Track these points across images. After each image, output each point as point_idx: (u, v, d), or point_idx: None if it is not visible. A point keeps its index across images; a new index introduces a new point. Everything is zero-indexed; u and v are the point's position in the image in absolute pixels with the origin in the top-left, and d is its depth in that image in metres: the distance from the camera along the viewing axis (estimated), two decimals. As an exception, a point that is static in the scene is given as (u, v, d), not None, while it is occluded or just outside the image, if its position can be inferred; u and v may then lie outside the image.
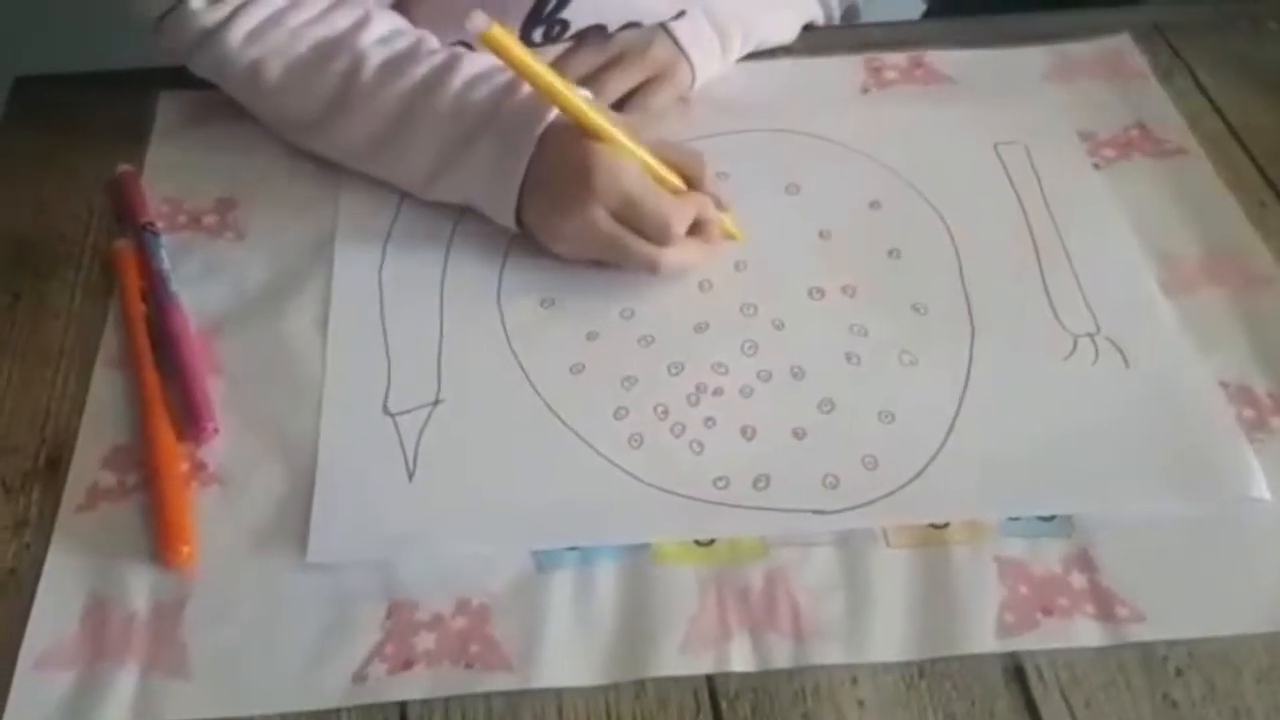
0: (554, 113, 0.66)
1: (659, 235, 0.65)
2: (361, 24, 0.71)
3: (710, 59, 0.79)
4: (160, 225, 0.71)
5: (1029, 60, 0.82)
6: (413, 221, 0.71)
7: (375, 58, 0.70)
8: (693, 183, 0.67)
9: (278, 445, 0.61)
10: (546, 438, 0.62)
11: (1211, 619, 0.55)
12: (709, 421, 0.62)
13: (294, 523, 0.58)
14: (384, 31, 0.71)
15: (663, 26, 0.78)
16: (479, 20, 0.61)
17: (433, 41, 0.72)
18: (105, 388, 0.63)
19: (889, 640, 0.54)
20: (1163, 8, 0.86)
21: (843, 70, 0.81)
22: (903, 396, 0.63)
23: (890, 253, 0.70)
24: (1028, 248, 0.70)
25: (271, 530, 0.58)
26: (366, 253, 0.70)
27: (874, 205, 0.73)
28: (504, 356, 0.65)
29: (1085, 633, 0.54)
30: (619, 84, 0.76)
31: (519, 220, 0.68)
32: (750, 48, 0.81)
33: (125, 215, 0.71)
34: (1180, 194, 0.73)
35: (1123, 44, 0.83)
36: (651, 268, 0.66)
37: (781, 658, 0.53)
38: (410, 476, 0.60)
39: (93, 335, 0.66)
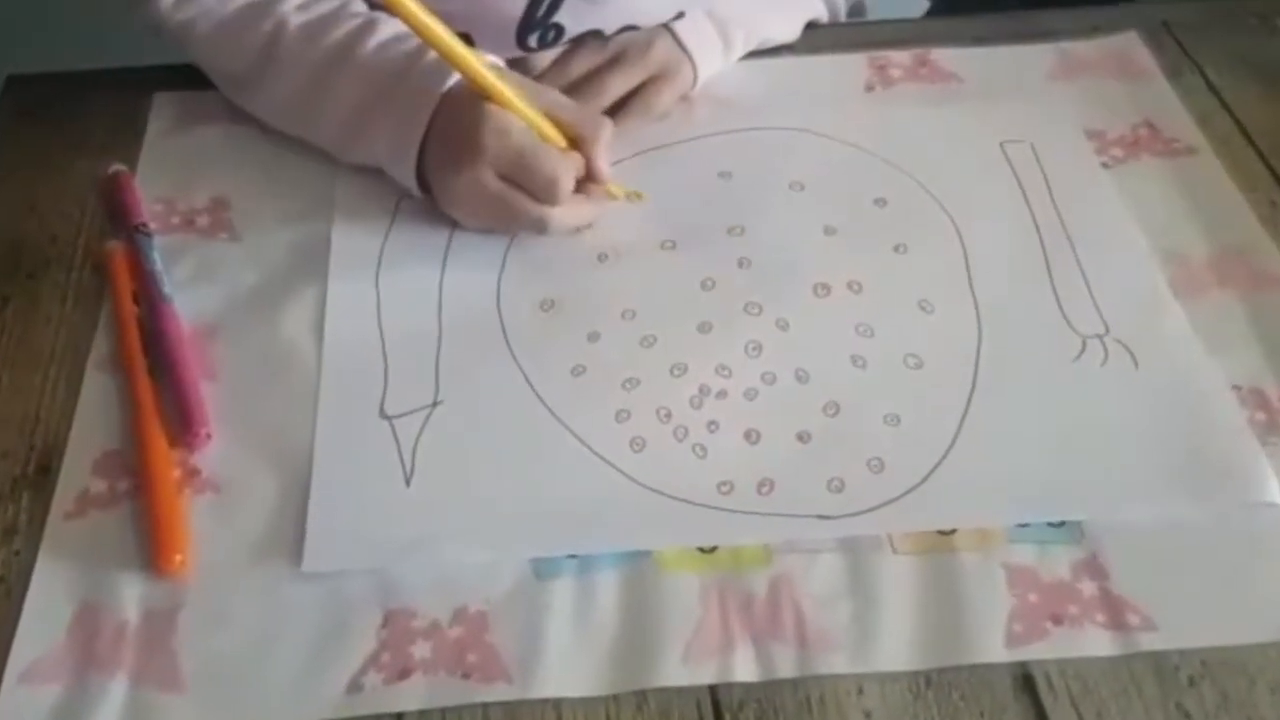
0: (455, 76, 0.67)
1: (546, 193, 0.66)
2: None
3: (712, 57, 0.78)
4: (153, 226, 0.70)
5: (1036, 58, 0.81)
6: (410, 222, 0.70)
7: (296, 20, 0.71)
8: (583, 144, 0.67)
9: (273, 450, 0.60)
10: (547, 441, 0.60)
11: (1225, 627, 0.53)
12: (712, 425, 0.61)
13: (289, 530, 0.57)
14: None
15: (665, 26, 0.77)
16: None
17: (357, 5, 0.73)
18: (96, 392, 0.62)
19: (895, 649, 0.53)
20: (1171, 5, 0.85)
21: (847, 68, 0.80)
22: (909, 399, 0.62)
23: (896, 248, 0.69)
24: (1035, 247, 0.69)
25: (266, 537, 0.57)
26: (363, 253, 0.69)
27: (879, 202, 0.72)
28: (503, 358, 0.64)
29: (1096, 642, 0.53)
30: (619, 84, 0.75)
31: (421, 184, 0.69)
32: (753, 45, 0.80)
33: (117, 216, 0.70)
34: (1190, 194, 0.72)
35: (1131, 42, 0.82)
36: (539, 227, 0.67)
37: (786, 667, 0.52)
38: (408, 481, 0.59)
39: (84, 338, 0.65)
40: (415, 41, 0.69)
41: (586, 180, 0.68)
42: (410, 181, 0.69)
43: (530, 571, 0.55)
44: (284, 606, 0.54)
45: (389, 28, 0.70)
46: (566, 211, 0.67)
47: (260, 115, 0.74)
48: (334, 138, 0.71)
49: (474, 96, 0.66)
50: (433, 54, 0.67)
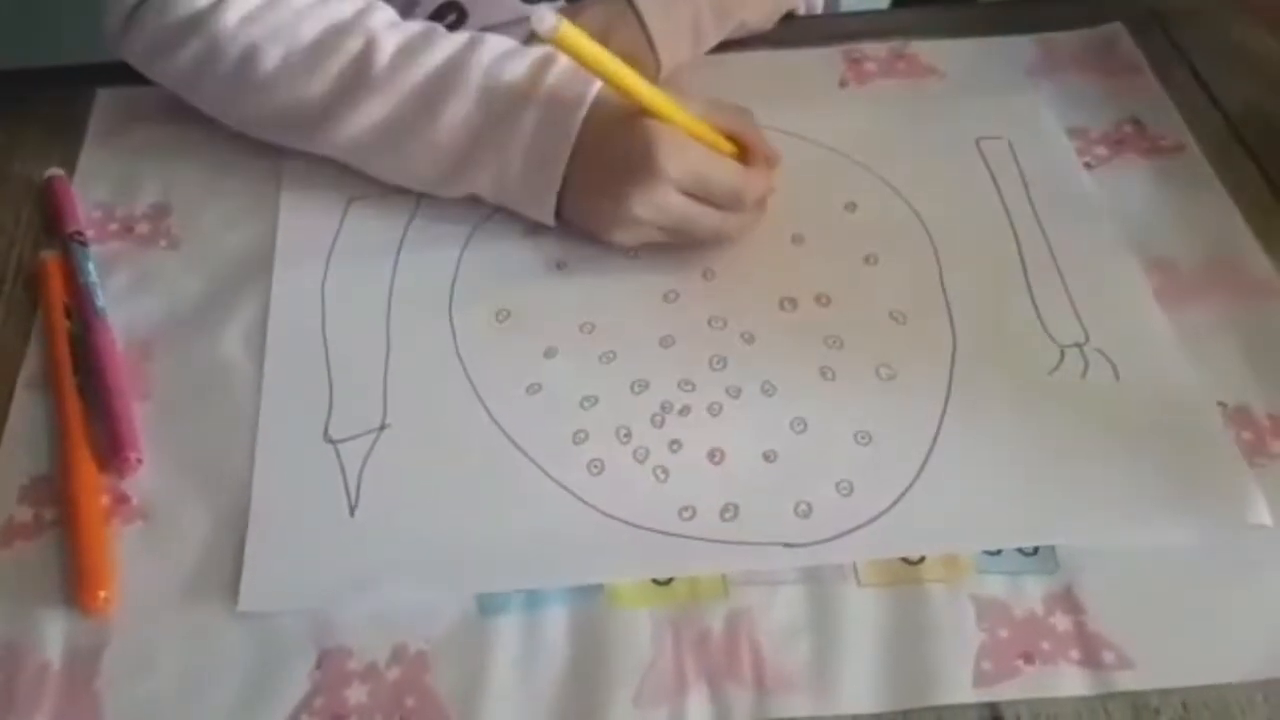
0: (596, 87, 0.63)
1: (731, 204, 0.64)
2: (369, 8, 0.67)
3: (680, 47, 0.75)
4: (90, 234, 0.67)
5: (1017, 51, 0.78)
6: (359, 228, 0.67)
7: (390, 38, 0.65)
8: (743, 139, 0.65)
9: (208, 476, 0.57)
10: (501, 467, 0.57)
11: (1207, 665, 0.51)
12: (674, 445, 0.58)
13: (222, 564, 0.54)
14: (393, 17, 0.67)
15: (633, 9, 0.73)
16: (548, 20, 0.56)
17: (442, 28, 0.67)
18: (25, 413, 0.59)
19: (858, 690, 0.50)
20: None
21: (820, 63, 0.77)
22: (880, 415, 0.59)
23: (867, 259, 0.66)
24: (1012, 252, 0.66)
25: (197, 571, 0.54)
26: (308, 263, 0.66)
27: (849, 207, 0.69)
28: (456, 376, 0.61)
29: (1069, 681, 0.50)
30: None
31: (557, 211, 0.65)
32: (725, 34, 0.77)
33: (53, 224, 0.67)
34: (1177, 196, 0.69)
35: (1116, 33, 0.79)
36: (723, 237, 0.65)
37: (742, 711, 0.50)
38: (352, 511, 0.56)
39: (14, 356, 0.62)
40: (537, 52, 0.65)
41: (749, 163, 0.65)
42: (545, 211, 0.64)
43: (475, 608, 0.53)
44: (214, 646, 0.52)
45: (498, 43, 0.66)
46: (746, 217, 0.65)
47: (335, 150, 0.67)
48: (440, 169, 0.65)
49: (628, 112, 0.62)
50: (561, 65, 0.63)
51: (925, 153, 0.71)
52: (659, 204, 0.62)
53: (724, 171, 0.63)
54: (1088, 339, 0.62)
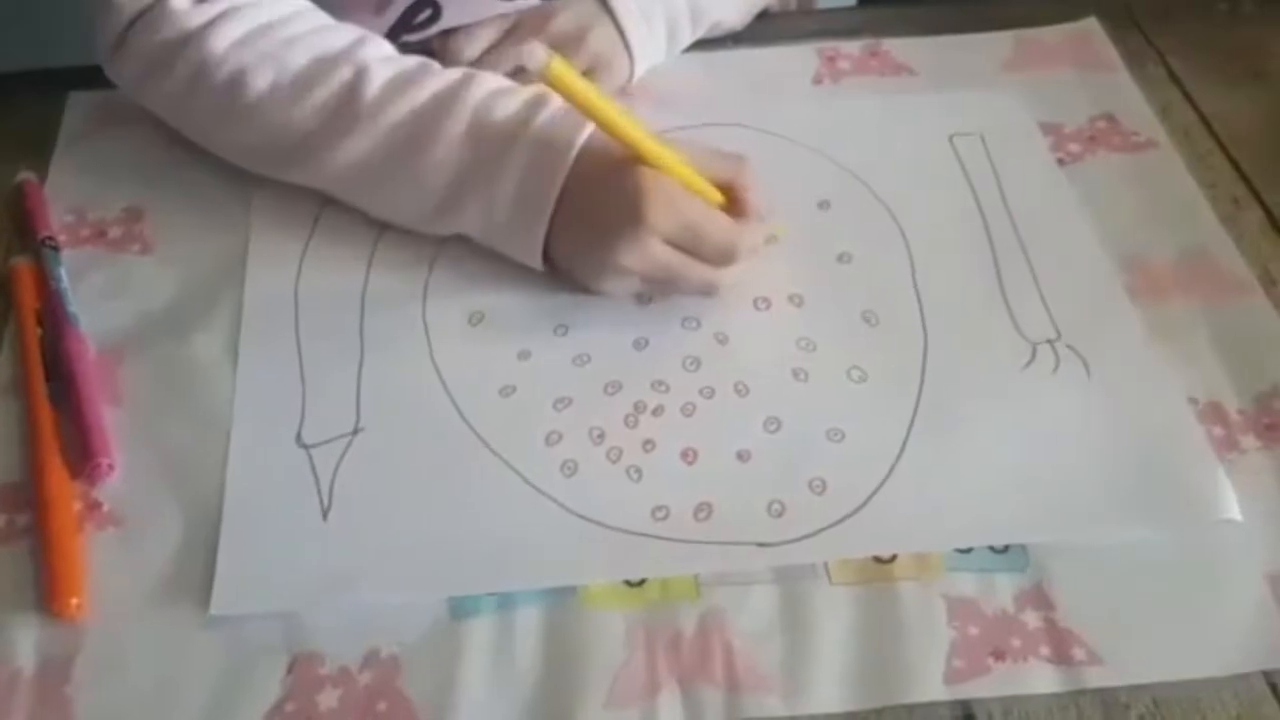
0: (587, 131, 0.61)
1: (722, 259, 0.61)
2: (363, 40, 0.66)
3: (654, 47, 0.75)
4: (62, 239, 0.67)
5: (992, 47, 0.78)
6: (332, 231, 0.67)
7: (381, 71, 0.64)
8: (734, 189, 0.63)
9: (180, 483, 0.57)
10: (474, 469, 0.57)
11: (1176, 661, 0.51)
12: (648, 445, 0.58)
13: (195, 569, 0.54)
14: (387, 51, 0.66)
15: (607, 9, 0.73)
16: (538, 54, 0.55)
17: (436, 64, 0.66)
18: (-2, 419, 0.59)
19: (830, 689, 0.50)
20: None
21: (794, 61, 0.77)
22: (852, 414, 0.59)
23: (840, 257, 0.66)
24: (984, 249, 0.66)
25: (170, 577, 0.54)
26: (281, 266, 0.66)
27: (823, 205, 0.69)
28: (429, 379, 0.61)
29: (1039, 678, 0.50)
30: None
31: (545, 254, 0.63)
32: (701, 33, 0.77)
33: (24, 229, 0.67)
34: (1149, 192, 0.69)
35: (1091, 29, 0.79)
36: (710, 291, 0.62)
37: (714, 711, 0.50)
38: (325, 515, 0.56)
39: (-13, 361, 0.62)
40: (528, 92, 0.63)
41: (739, 216, 0.63)
42: (532, 254, 0.62)
43: (447, 611, 0.53)
44: (186, 652, 0.51)
45: (490, 80, 0.64)
46: (736, 270, 0.62)
47: (322, 183, 0.66)
48: (427, 205, 0.64)
49: (617, 157, 0.60)
50: (553, 106, 0.62)
51: (899, 150, 0.71)
52: (646, 255, 0.60)
53: (715, 225, 0.61)
54: (1059, 335, 0.62)
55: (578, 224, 0.61)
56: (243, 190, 0.68)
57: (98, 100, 0.74)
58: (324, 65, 0.64)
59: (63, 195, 0.69)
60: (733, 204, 0.63)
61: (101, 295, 0.64)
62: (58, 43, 0.72)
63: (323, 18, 0.68)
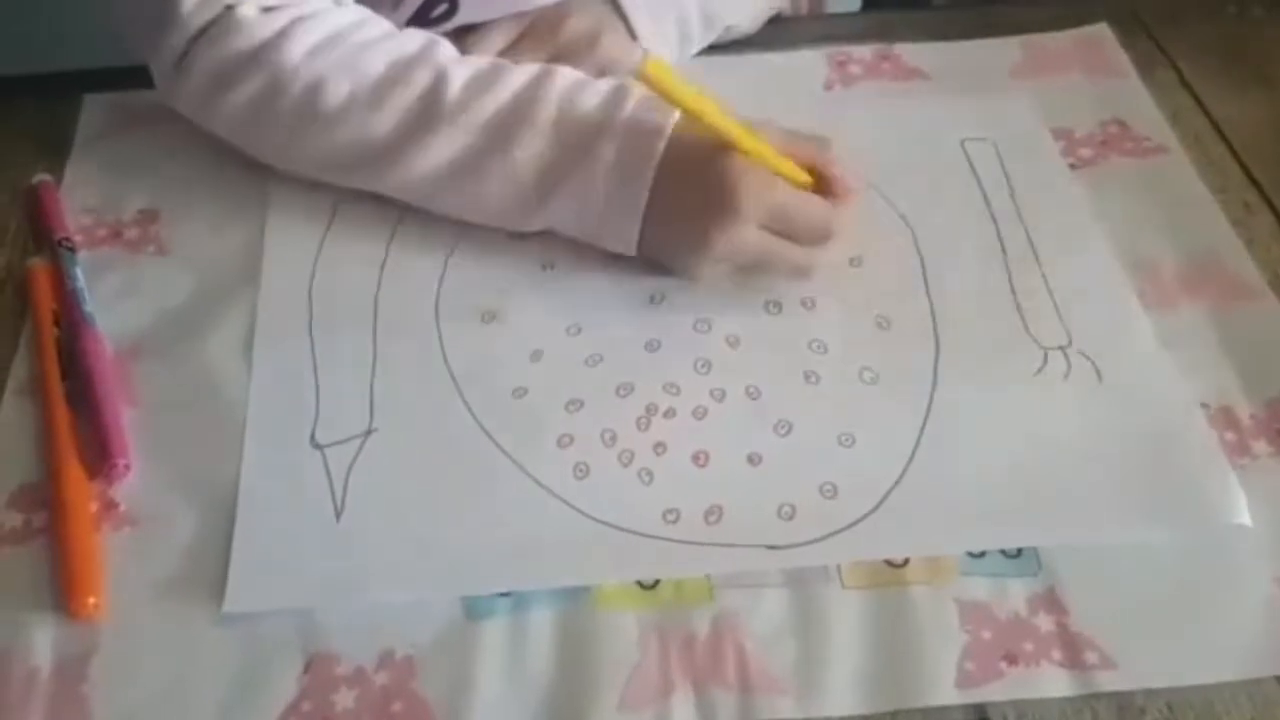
0: (674, 118, 0.62)
1: (817, 239, 0.63)
2: (434, 43, 0.66)
3: (667, 50, 0.75)
4: (79, 239, 0.67)
5: (1003, 52, 0.78)
6: (346, 232, 0.67)
7: (460, 72, 0.64)
8: (823, 170, 0.64)
9: (196, 483, 0.57)
10: (486, 470, 0.58)
11: (1188, 666, 0.51)
12: (659, 447, 0.59)
13: (210, 568, 0.54)
14: (456, 51, 0.66)
15: (619, 13, 0.73)
16: (635, 54, 0.57)
17: (508, 61, 0.66)
18: (14, 419, 0.60)
19: (843, 692, 0.50)
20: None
21: (806, 66, 0.77)
22: (863, 418, 0.59)
23: (851, 261, 0.66)
24: (996, 255, 0.67)
25: (186, 576, 0.54)
26: (296, 267, 0.66)
27: (835, 210, 0.69)
28: (442, 380, 0.61)
29: (1052, 682, 0.51)
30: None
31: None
32: (712, 38, 0.77)
33: (41, 230, 0.67)
34: (1160, 197, 0.69)
35: (1101, 34, 0.79)
36: (805, 273, 0.64)
37: (727, 714, 0.50)
38: (338, 516, 0.56)
39: (3, 362, 0.62)
40: (611, 83, 0.64)
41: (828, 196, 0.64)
42: (627, 244, 0.63)
43: (461, 612, 0.53)
44: (202, 651, 0.52)
45: (569, 74, 0.64)
46: (829, 251, 0.63)
47: (405, 189, 0.65)
48: (514, 200, 0.63)
49: (708, 146, 0.61)
50: (637, 95, 0.62)
51: (910, 154, 0.72)
52: (740, 242, 0.61)
53: (809, 207, 0.62)
54: (1071, 341, 0.62)
55: (671, 212, 0.62)
56: (258, 191, 0.69)
57: (113, 102, 0.75)
58: (401, 69, 0.64)
59: (79, 196, 0.70)
60: (820, 184, 0.64)
61: (117, 296, 0.65)
62: (70, 46, 0.72)
63: (386, 23, 0.68)
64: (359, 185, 0.67)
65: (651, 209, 0.62)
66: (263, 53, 0.64)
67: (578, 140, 0.62)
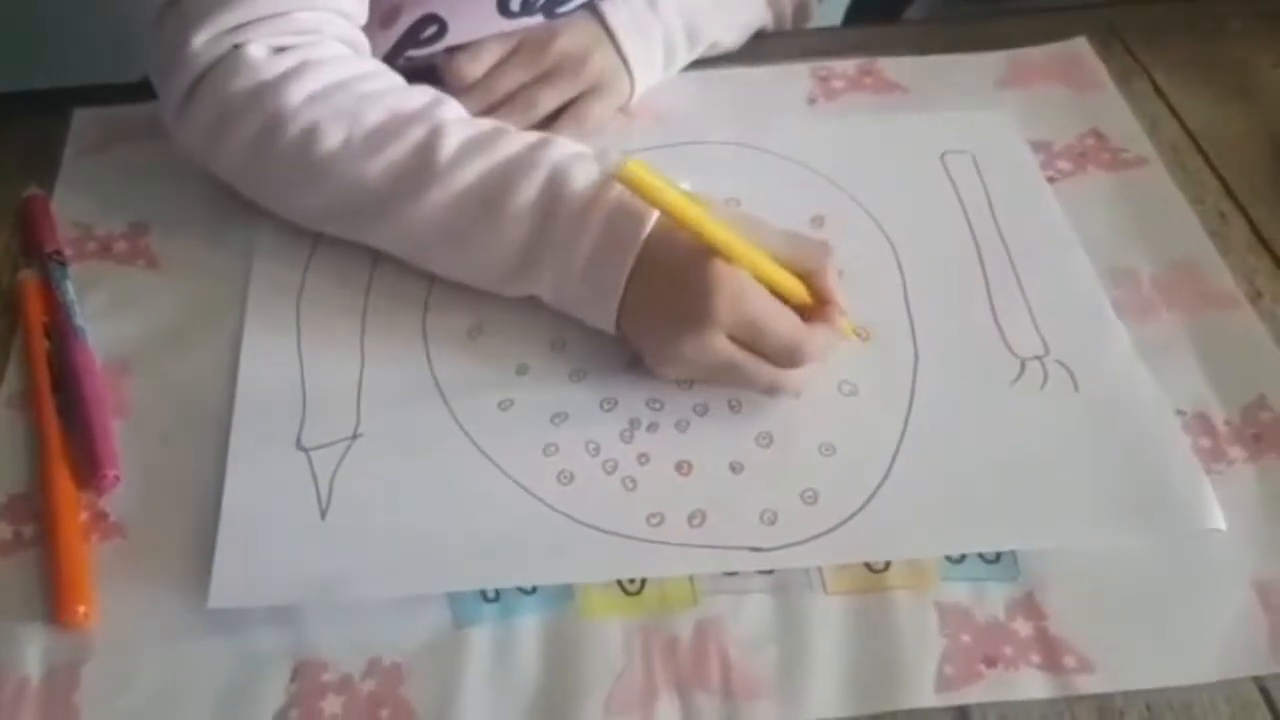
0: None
1: (787, 360, 0.59)
2: (439, 101, 0.65)
3: (653, 67, 0.76)
4: (69, 253, 0.67)
5: (983, 67, 0.79)
6: (336, 244, 0.68)
7: (458, 131, 0.63)
8: (812, 278, 0.61)
9: (185, 492, 0.58)
10: (470, 473, 0.59)
11: (1165, 669, 0.52)
12: (642, 458, 0.59)
13: (199, 578, 0.54)
14: (463, 112, 0.66)
15: (606, 30, 0.74)
16: (612, 155, 0.55)
17: (510, 127, 0.65)
18: (4, 431, 0.60)
19: (825, 695, 0.51)
20: (1121, 8, 0.83)
21: (788, 80, 0.78)
22: (844, 428, 0.60)
23: (833, 273, 0.67)
24: (974, 265, 0.68)
25: (175, 586, 0.54)
26: (285, 278, 0.67)
27: (816, 221, 0.70)
28: (428, 389, 0.62)
29: (1031, 685, 0.51)
30: (551, 98, 0.73)
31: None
32: (697, 54, 0.78)
33: (32, 243, 0.68)
34: (1137, 208, 0.70)
35: (1079, 48, 0.80)
36: (773, 391, 0.60)
37: (710, 718, 0.50)
38: (323, 515, 0.57)
39: (-7, 375, 0.63)
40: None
41: (817, 313, 0.61)
42: (606, 315, 0.61)
43: (448, 619, 0.54)
44: (192, 659, 0.52)
45: (567, 145, 0.63)
46: (803, 372, 0.60)
47: (396, 243, 0.64)
48: (498, 266, 0.62)
49: (693, 247, 0.58)
50: None
51: (891, 167, 0.73)
52: (708, 350, 0.58)
53: (780, 324, 0.58)
54: (1047, 351, 0.63)
55: (644, 306, 0.60)
56: (248, 205, 0.69)
57: (103, 117, 0.75)
58: (399, 123, 0.63)
59: (69, 210, 0.70)
60: (813, 294, 0.61)
61: (108, 309, 0.65)
62: (60, 63, 0.73)
63: (396, 77, 0.67)
64: (353, 237, 0.66)
65: (628, 296, 0.60)
66: (264, 92, 0.64)
67: (564, 210, 0.61)
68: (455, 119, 0.64)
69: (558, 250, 0.61)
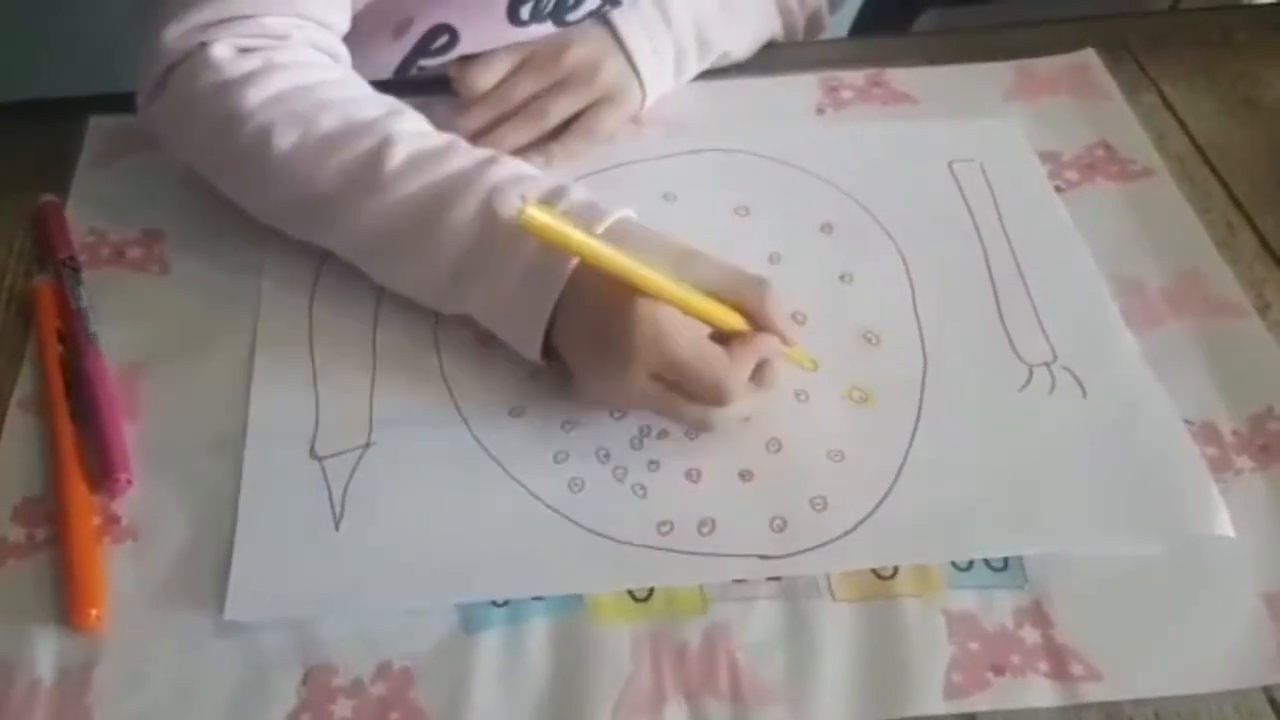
0: (600, 231, 0.59)
1: (712, 398, 0.58)
2: (397, 112, 0.65)
3: (664, 77, 0.76)
4: (83, 259, 0.68)
5: (992, 77, 0.80)
6: (347, 253, 0.68)
7: (407, 144, 0.63)
8: (751, 313, 0.59)
9: (197, 496, 0.58)
10: (482, 483, 0.59)
11: (1173, 678, 0.52)
12: (652, 464, 0.60)
13: (210, 580, 0.55)
14: (419, 126, 0.65)
15: (618, 40, 0.75)
16: (511, 202, 0.55)
17: (464, 143, 0.65)
18: (18, 435, 0.61)
19: (833, 702, 0.51)
20: (1130, 20, 0.83)
21: (798, 90, 0.79)
22: (853, 434, 0.61)
23: (841, 277, 0.68)
24: (982, 273, 0.68)
25: (186, 589, 0.55)
26: (297, 286, 0.67)
27: (825, 228, 0.70)
28: (440, 397, 0.62)
29: (1039, 693, 0.52)
30: (564, 107, 0.73)
31: (545, 353, 0.61)
32: (708, 64, 0.79)
33: (46, 249, 0.68)
34: (1145, 217, 0.71)
35: (1088, 59, 0.81)
36: (703, 427, 0.60)
37: (719, 725, 0.51)
38: (337, 525, 0.57)
39: (8, 379, 0.63)
40: (548, 183, 0.62)
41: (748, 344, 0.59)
42: (531, 345, 0.60)
43: (458, 624, 0.54)
44: (203, 663, 0.53)
45: (514, 165, 0.63)
46: (734, 409, 0.59)
47: (343, 249, 0.65)
48: (431, 281, 0.62)
49: (618, 286, 0.57)
50: (564, 202, 0.61)
51: (900, 176, 0.73)
52: (630, 390, 0.58)
53: (703, 363, 0.57)
54: (1056, 358, 0.63)
55: (573, 337, 0.60)
56: (259, 213, 0.70)
57: (118, 125, 0.75)
58: (352, 130, 0.63)
59: (83, 217, 0.71)
60: (755, 327, 0.60)
61: (121, 314, 0.65)
62: (75, 71, 0.73)
63: (364, 87, 0.68)
64: (306, 238, 0.66)
65: (558, 327, 0.60)
66: (224, 91, 0.64)
67: (498, 238, 0.60)
68: (409, 131, 0.64)
69: (490, 272, 0.60)
